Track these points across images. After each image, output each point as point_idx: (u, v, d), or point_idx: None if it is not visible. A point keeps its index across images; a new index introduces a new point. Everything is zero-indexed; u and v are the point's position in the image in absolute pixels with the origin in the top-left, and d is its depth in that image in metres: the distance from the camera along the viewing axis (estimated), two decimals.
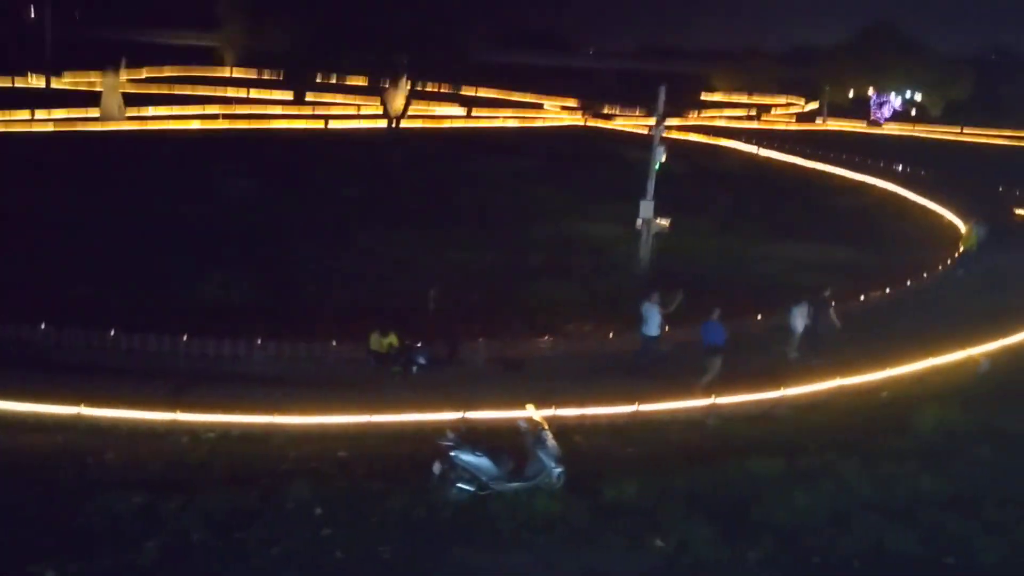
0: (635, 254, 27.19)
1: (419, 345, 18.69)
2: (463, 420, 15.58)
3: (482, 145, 51.99)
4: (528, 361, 19.71)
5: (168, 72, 74.99)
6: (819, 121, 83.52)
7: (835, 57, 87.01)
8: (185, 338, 18.71)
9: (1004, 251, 30.76)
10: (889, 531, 12.14)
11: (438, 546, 11.81)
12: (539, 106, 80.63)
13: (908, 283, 26.38)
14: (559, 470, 13.20)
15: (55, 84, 64.08)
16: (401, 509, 12.43)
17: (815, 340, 20.64)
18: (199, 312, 20.99)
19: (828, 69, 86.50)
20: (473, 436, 13.59)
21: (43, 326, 18.88)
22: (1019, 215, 40.97)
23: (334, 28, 56.99)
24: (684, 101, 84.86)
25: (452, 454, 12.85)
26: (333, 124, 57.92)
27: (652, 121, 27.98)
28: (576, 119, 73.76)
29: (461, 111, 68.84)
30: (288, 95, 65.30)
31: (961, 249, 30.12)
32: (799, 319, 20.73)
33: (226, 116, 56.25)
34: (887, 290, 25.41)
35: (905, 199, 42.83)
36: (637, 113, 75.41)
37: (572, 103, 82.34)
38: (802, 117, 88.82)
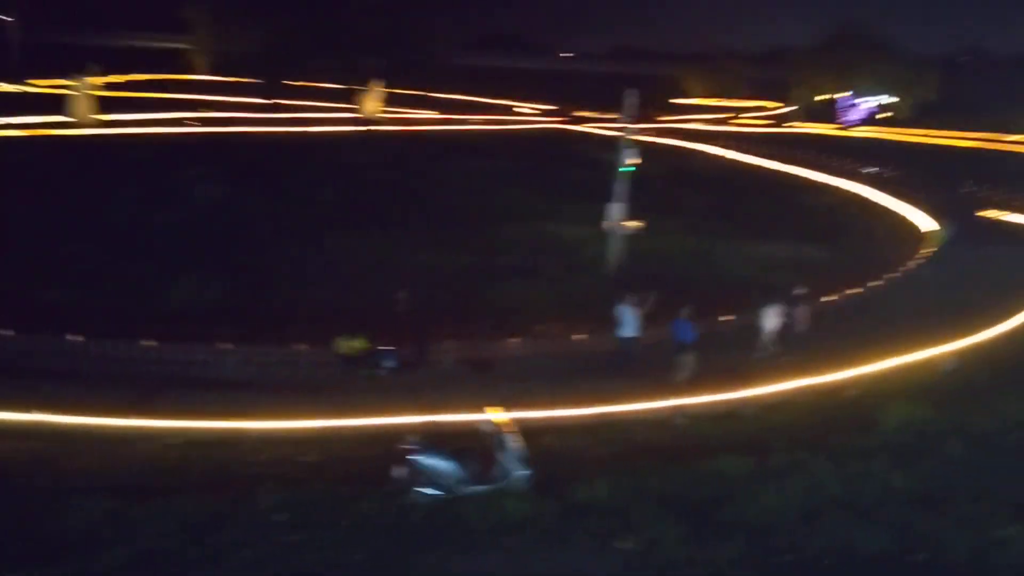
0: (605, 255, 27.28)
1: (388, 348, 18.63)
2: (430, 423, 15.54)
3: (455, 147, 51.93)
4: (498, 362, 19.71)
5: (140, 77, 74.38)
6: (790, 124, 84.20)
7: (807, 59, 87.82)
8: (154, 343, 18.52)
9: (972, 250, 31.14)
10: (858, 529, 12.24)
11: (407, 550, 11.79)
12: (510, 110, 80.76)
13: (876, 282, 26.63)
14: (525, 472, 13.21)
15: (24, 89, 63.33)
16: (371, 513, 12.39)
17: (790, 339, 20.81)
18: (169, 317, 20.77)
19: (800, 71, 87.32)
20: (437, 439, 13.57)
21: (11, 332, 18.62)
22: (987, 216, 41.51)
23: (306, 32, 56.99)
24: (656, 104, 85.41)
25: (416, 458, 12.82)
26: (306, 128, 57.63)
27: (627, 124, 28.06)
28: (550, 122, 73.94)
29: (434, 114, 68.85)
30: (260, 99, 64.96)
31: (929, 247, 30.48)
32: (772, 318, 20.89)
33: (197, 121, 55.83)
34: (856, 289, 25.63)
35: (873, 199, 43.24)
36: (610, 116, 75.64)
37: (548, 106, 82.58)
38: (774, 120, 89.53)
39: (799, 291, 21.64)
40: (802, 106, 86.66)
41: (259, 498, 12.41)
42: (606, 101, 75.97)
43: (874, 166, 20.66)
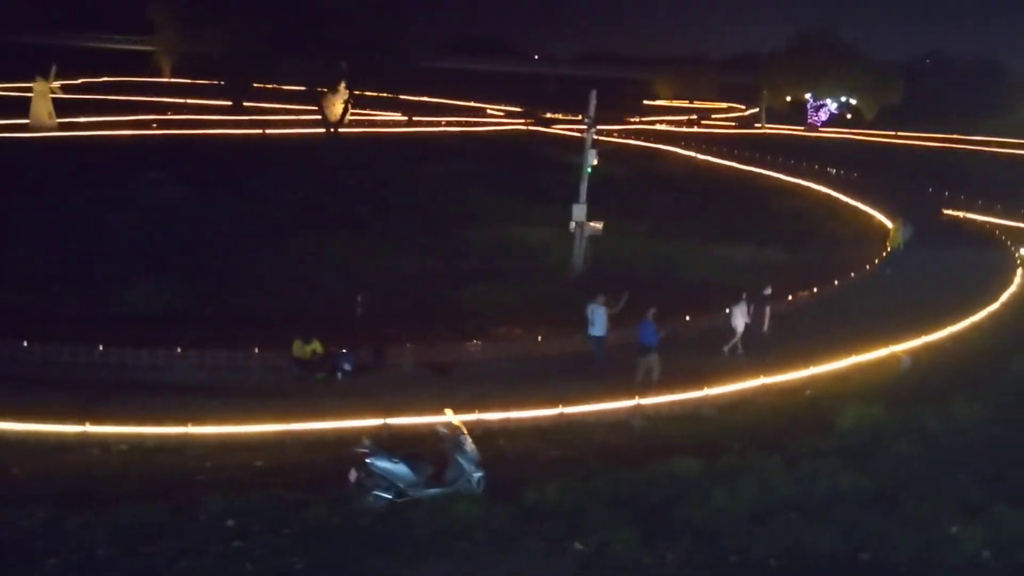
0: (569, 257, 27.23)
1: (344, 351, 18.42)
2: (385, 426, 15.36)
3: (422, 150, 51.75)
4: (457, 365, 19.56)
5: (103, 79, 73.42)
6: (758, 126, 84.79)
7: (774, 63, 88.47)
8: (102, 348, 18.19)
9: (930, 250, 31.40)
10: (807, 529, 12.19)
11: (354, 556, 11.60)
12: (481, 111, 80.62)
13: (836, 282, 26.76)
14: (479, 475, 13.08)
15: None
16: (317, 519, 12.18)
17: (755, 338, 20.83)
18: (122, 320, 20.55)
19: (767, 75, 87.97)
20: (391, 442, 13.43)
21: None
22: (947, 215, 41.95)
23: (274, 34, 56.44)
24: (627, 106, 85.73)
25: (368, 461, 12.65)
26: (271, 131, 57.17)
27: (590, 126, 28.04)
28: (519, 124, 73.89)
29: (402, 117, 68.54)
30: (226, 102, 64.34)
31: (888, 248, 30.69)
32: (739, 318, 20.91)
33: (160, 123, 55.19)
34: (815, 289, 25.74)
35: (838, 201, 43.53)
36: (580, 118, 75.76)
37: (516, 108, 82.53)
38: (743, 122, 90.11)
39: (767, 291, 21.67)
40: (768, 108, 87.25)
41: (203, 505, 12.18)
42: (576, 104, 76.29)
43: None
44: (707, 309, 22.87)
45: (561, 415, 16.67)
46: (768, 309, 21.43)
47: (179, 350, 18.40)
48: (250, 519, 12.02)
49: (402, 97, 69.12)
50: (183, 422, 14.96)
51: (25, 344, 18.27)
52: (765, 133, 79.24)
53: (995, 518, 12.54)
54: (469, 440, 13.30)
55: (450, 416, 13.74)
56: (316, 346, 18.20)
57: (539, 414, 16.64)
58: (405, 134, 61.71)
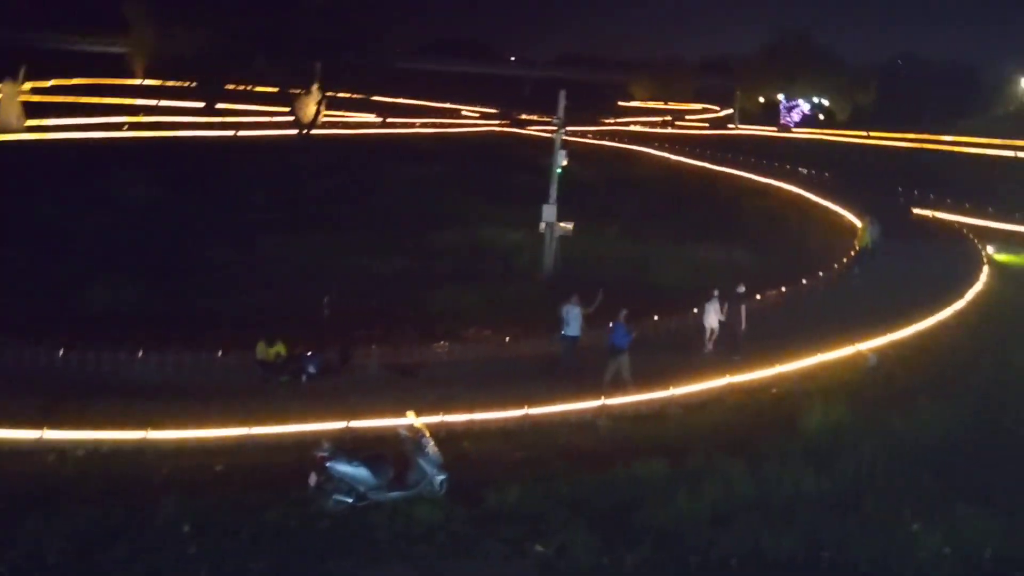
0: (539, 259, 27.17)
1: (309, 353, 18.24)
2: (348, 429, 15.22)
3: (396, 151, 51.58)
4: (424, 367, 19.42)
5: (75, 82, 72.55)
6: (731, 127, 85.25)
7: (748, 65, 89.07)
8: (62, 351, 17.91)
9: (898, 249, 31.62)
10: (768, 530, 12.22)
11: (313, 560, 11.50)
12: (456, 113, 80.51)
13: (804, 282, 26.86)
14: (441, 477, 13.00)
15: None
16: (276, 523, 12.09)
17: (732, 337, 20.85)
18: (85, 322, 20.25)
19: (742, 77, 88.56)
20: (351, 445, 13.31)
21: None
22: (917, 214, 42.30)
23: (247, 34, 56.12)
24: (601, 108, 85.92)
25: (328, 464, 12.53)
26: (243, 132, 56.80)
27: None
28: (494, 125, 73.87)
29: (376, 118, 68.29)
30: (198, 104, 63.80)
31: (856, 248, 30.86)
32: (712, 315, 20.90)
33: (132, 125, 54.66)
34: (783, 289, 25.82)
35: (809, 200, 43.77)
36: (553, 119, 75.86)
37: (492, 110, 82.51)
38: (716, 123, 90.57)
39: (740, 289, 21.71)
40: (741, 110, 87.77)
41: (159, 509, 12.01)
42: (552, 106, 76.30)
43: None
44: (676, 310, 22.86)
45: (527, 416, 16.58)
46: (744, 308, 21.48)
47: (141, 352, 18.13)
48: (208, 522, 11.90)
49: (376, 98, 68.80)
50: (142, 426, 14.73)
51: None
52: (738, 134, 79.65)
53: (955, 516, 12.66)
54: (431, 442, 13.21)
55: (412, 419, 13.64)
56: (280, 348, 18.01)
57: (504, 416, 16.53)
58: (379, 136, 61.47)
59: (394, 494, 12.84)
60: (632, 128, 78.24)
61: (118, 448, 14.30)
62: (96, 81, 73.21)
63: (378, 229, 31.64)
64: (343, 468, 12.61)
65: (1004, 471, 14.58)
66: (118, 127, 53.74)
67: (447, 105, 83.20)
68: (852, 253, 30.77)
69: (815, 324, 22.59)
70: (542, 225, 26.89)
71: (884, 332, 21.89)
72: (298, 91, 55.50)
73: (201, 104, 63.51)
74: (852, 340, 21.18)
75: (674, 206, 39.85)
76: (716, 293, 21.20)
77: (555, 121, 28.20)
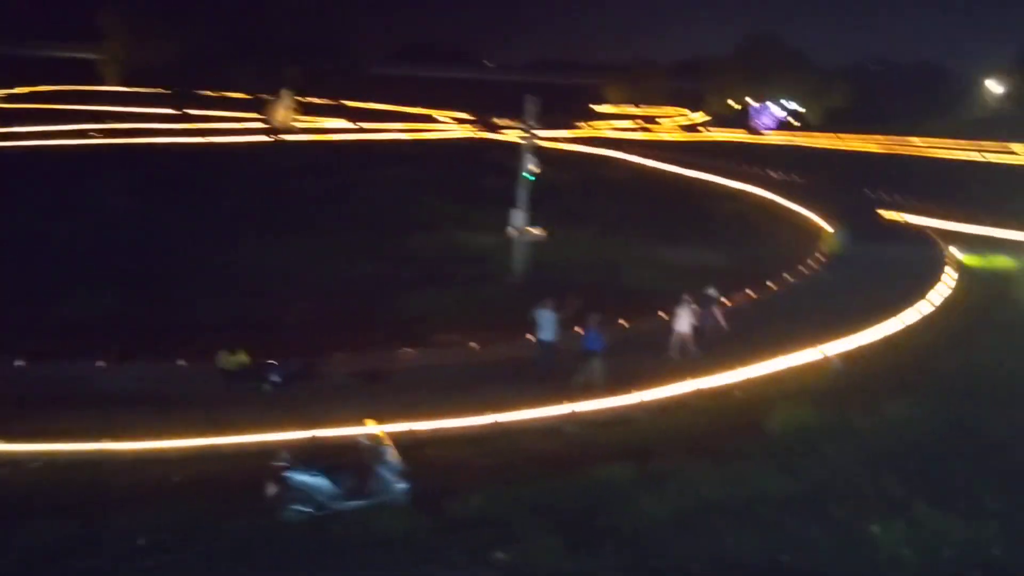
0: (510, 263, 27.14)
1: (272, 362, 18.06)
2: (308, 438, 15.06)
3: (369, 157, 51.35)
4: (394, 373, 19.28)
5: (44, 88, 71.79)
6: (701, 130, 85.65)
7: (720, 68, 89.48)
8: (23, 362, 17.64)
9: (866, 251, 31.85)
10: (729, 532, 12.23)
11: (270, 570, 11.36)
12: (430, 118, 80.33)
13: (771, 285, 26.98)
14: (403, 486, 12.89)
15: None
16: (234, 533, 11.93)
17: (702, 340, 20.87)
18: (53, 331, 20.01)
19: (714, 80, 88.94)
20: (311, 455, 13.15)
21: None
22: (884, 216, 42.63)
23: (220, 41, 55.93)
24: (575, 112, 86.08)
25: (286, 475, 12.40)
26: (215, 138, 56.38)
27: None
28: (468, 129, 73.75)
29: (348, 124, 68.02)
30: (171, 110, 63.36)
31: (824, 251, 31.05)
32: (683, 319, 20.89)
33: (104, 132, 54.11)
34: (748, 292, 25.92)
35: (778, 204, 44.00)
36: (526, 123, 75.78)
37: (466, 115, 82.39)
38: (688, 127, 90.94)
39: (711, 292, 21.74)
40: (713, 113, 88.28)
41: (114, 522, 11.83)
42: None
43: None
44: (647, 313, 22.88)
45: (493, 422, 16.48)
46: (718, 309, 21.56)
47: (101, 362, 17.88)
48: (164, 535, 11.73)
49: (349, 103, 68.63)
50: (100, 437, 14.53)
51: None
52: (710, 138, 79.98)
53: (916, 517, 12.71)
54: (391, 450, 13.10)
55: (372, 427, 13.53)
56: (242, 357, 17.82)
57: (471, 423, 16.43)
58: (352, 141, 61.17)
59: (353, 503, 12.72)
60: (605, 132, 78.32)
61: (75, 460, 14.09)
62: (66, 88, 72.56)
63: (351, 234, 31.53)
64: (301, 478, 12.48)
65: (965, 472, 14.64)
66: (88, 134, 53.18)
67: (421, 110, 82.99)
68: (820, 256, 30.96)
69: (782, 327, 22.63)
70: (510, 230, 26.88)
71: (850, 334, 22.01)
72: (271, 96, 55.27)
73: (173, 111, 63.13)
74: (818, 342, 21.27)
75: (646, 210, 39.95)
76: (686, 297, 21.18)
77: (524, 126, 28.16)
